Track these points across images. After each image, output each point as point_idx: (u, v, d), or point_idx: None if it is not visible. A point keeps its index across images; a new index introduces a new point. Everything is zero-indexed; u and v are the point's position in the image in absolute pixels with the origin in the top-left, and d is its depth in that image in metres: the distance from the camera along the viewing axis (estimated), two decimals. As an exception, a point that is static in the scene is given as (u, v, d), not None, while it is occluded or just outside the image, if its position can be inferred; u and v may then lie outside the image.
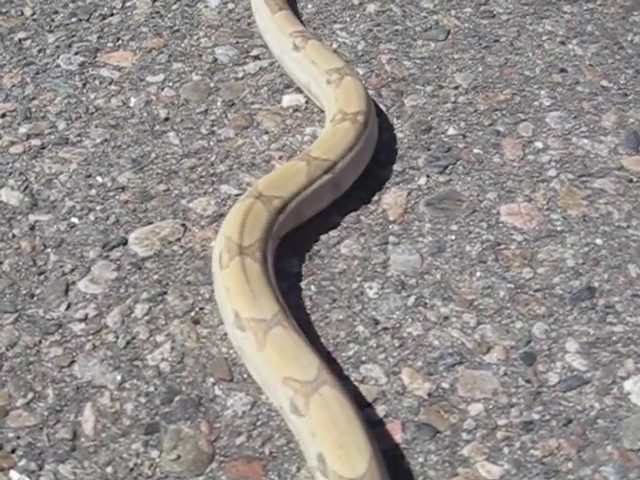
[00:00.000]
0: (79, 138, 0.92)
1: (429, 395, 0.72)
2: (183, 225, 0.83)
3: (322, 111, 0.94)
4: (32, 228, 0.83)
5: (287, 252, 0.81)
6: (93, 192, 0.86)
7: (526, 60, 1.04)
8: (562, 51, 1.05)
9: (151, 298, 0.77)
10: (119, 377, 0.72)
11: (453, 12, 1.10)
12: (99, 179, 0.87)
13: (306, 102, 0.95)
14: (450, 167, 0.90)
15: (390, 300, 0.78)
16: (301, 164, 0.82)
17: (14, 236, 0.82)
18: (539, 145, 0.93)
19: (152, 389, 0.71)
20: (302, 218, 0.82)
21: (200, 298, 0.77)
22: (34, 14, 1.09)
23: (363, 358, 0.74)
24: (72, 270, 0.79)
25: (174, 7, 1.10)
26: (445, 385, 0.73)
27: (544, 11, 1.12)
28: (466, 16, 1.10)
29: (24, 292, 0.78)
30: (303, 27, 0.99)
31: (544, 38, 1.07)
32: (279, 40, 0.97)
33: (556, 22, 1.10)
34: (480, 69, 1.02)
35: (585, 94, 0.99)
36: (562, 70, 1.03)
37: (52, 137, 0.91)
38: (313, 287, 0.78)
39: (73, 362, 0.73)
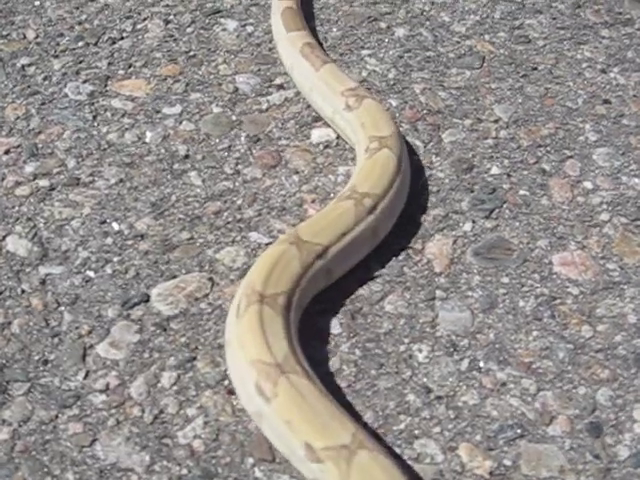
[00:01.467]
0: (91, 178, 0.84)
1: (490, 474, 0.65)
2: (210, 279, 0.76)
3: (353, 149, 0.88)
4: (43, 282, 0.76)
5: (326, 309, 0.74)
6: (109, 241, 0.79)
7: (567, 90, 0.98)
8: (604, 80, 1.00)
9: (179, 365, 0.70)
10: (147, 458, 0.64)
11: (487, 37, 1.04)
12: (115, 226, 0.80)
13: (337, 137, 0.88)
14: (496, 211, 0.83)
15: (442, 364, 0.72)
16: (349, 203, 0.76)
17: (23, 292, 0.75)
18: (588, 185, 0.87)
19: (185, 472, 0.64)
20: (338, 271, 0.74)
21: (233, 364, 0.71)
22: (37, 37, 1.01)
23: (416, 432, 0.67)
24: (89, 332, 0.72)
25: (189, 30, 1.02)
26: (507, 462, 0.66)
27: (581, 36, 1.06)
28: (500, 41, 1.04)
29: (36, 358, 0.70)
30: (355, 83, 0.89)
31: (584, 66, 1.01)
32: (329, 99, 0.87)
33: (595, 48, 1.04)
34: (520, 100, 0.96)
35: (632, 128, 0.93)
36: (605, 101, 0.97)
37: (61, 177, 0.84)
38: (357, 351, 0.72)
39: (95, 441, 0.65)
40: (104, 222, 0.80)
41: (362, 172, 0.78)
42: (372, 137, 0.80)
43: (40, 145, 0.87)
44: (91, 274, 0.76)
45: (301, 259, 0.71)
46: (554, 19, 1.08)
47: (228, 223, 0.80)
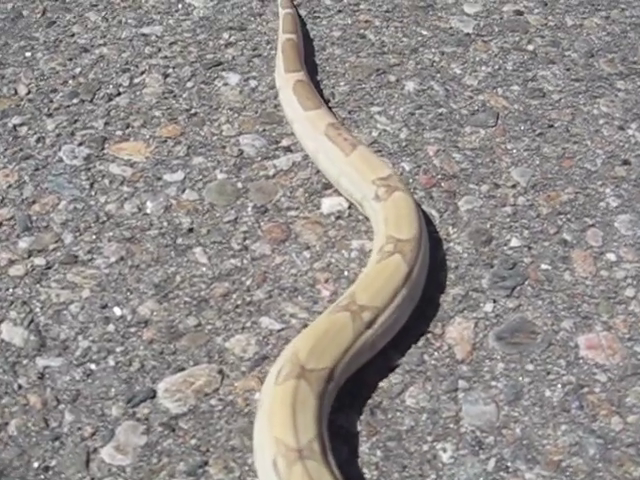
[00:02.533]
0: (90, 256, 0.79)
1: None
2: (220, 371, 0.71)
3: (367, 219, 0.84)
4: (41, 377, 0.71)
5: (344, 405, 0.69)
6: (111, 328, 0.74)
7: (585, 150, 0.94)
8: (622, 138, 0.96)
9: (190, 470, 0.65)
10: None
11: (500, 90, 1.00)
12: (117, 311, 0.75)
13: (349, 207, 0.85)
14: (518, 288, 0.80)
15: (467, 465, 0.68)
16: (345, 316, 0.69)
17: (20, 387, 0.70)
18: (611, 257, 0.84)
19: None
20: (346, 375, 0.69)
21: (248, 469, 0.66)
22: (29, 93, 0.95)
23: None
24: (93, 434, 0.68)
25: (189, 84, 0.97)
26: None
27: (596, 88, 1.02)
28: (514, 95, 1.00)
29: (36, 464, 0.65)
30: (388, 170, 0.81)
31: (601, 122, 0.97)
32: (359, 187, 0.81)
33: (611, 102, 1.01)
34: (537, 162, 0.92)
35: (653, 191, 0.91)
36: (625, 162, 0.93)
37: (58, 254, 0.79)
38: (379, 451, 0.68)
39: None
40: (105, 306, 0.76)
41: (366, 279, 0.73)
42: (390, 237, 0.75)
43: (34, 217, 0.82)
44: (93, 367, 0.71)
45: (315, 392, 0.65)
46: (568, 70, 1.04)
47: (237, 307, 0.76)
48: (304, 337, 0.70)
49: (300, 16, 1.08)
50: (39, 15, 1.08)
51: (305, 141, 0.86)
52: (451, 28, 1.09)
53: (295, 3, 1.10)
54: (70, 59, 1.00)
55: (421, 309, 0.77)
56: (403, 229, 0.76)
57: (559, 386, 0.73)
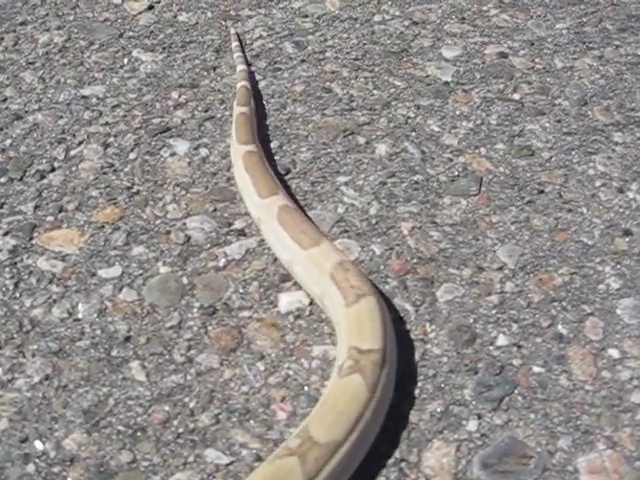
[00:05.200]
0: (10, 375, 0.68)
1: None
2: (157, 522, 0.63)
3: (330, 320, 0.74)
4: (-54, 534, 0.62)
5: None
6: (31, 468, 0.63)
7: (580, 220, 0.83)
8: (622, 203, 0.85)
9: None
10: None
11: (483, 150, 0.90)
12: (39, 445, 0.63)
13: (310, 304, 0.74)
14: (506, 399, 0.69)
15: None
16: (292, 461, 0.58)
17: None
18: (614, 354, 0.73)
19: None
20: None
21: None
22: (-50, 172, 0.87)
23: None
24: None
25: (131, 156, 0.86)
26: None
27: (591, 142, 0.92)
28: (499, 155, 0.89)
29: None
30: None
31: (597, 184, 0.87)
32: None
33: (608, 159, 0.90)
34: (526, 237, 0.81)
35: (659, 266, 0.81)
36: (626, 232, 0.83)
37: (-26, 374, 0.71)
38: None
39: None
40: (25, 440, 0.64)
41: (321, 408, 0.62)
42: (352, 348, 0.64)
43: (-51, 327, 0.74)
44: (7, 520, 0.63)
45: None
46: (559, 121, 0.94)
47: (178, 436, 0.65)
48: None
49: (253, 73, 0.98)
50: (-32, 77, 0.99)
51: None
52: (428, 76, 0.99)
53: (254, 54, 1.00)
54: (1, 129, 0.91)
55: (394, 430, 0.67)
56: (367, 337, 0.65)
57: (556, 524, 0.64)
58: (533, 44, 1.05)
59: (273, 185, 0.77)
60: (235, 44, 1.00)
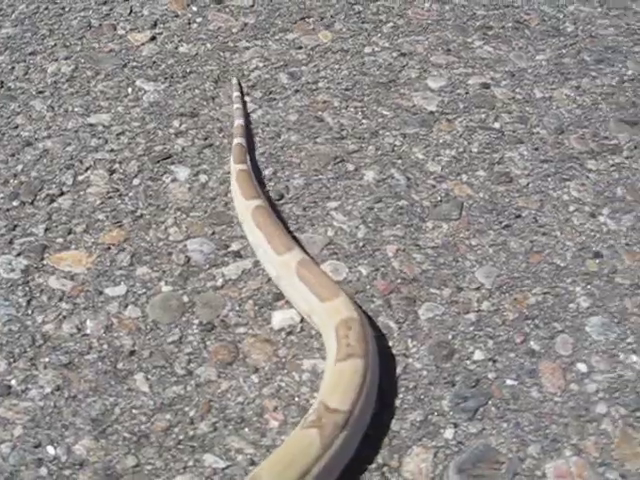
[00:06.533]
0: (24, 386, 0.74)
1: None
2: (159, 521, 0.68)
3: (320, 335, 0.79)
4: (-34, 532, 0.68)
5: None
6: (44, 471, 0.68)
7: (554, 243, 0.89)
8: (593, 227, 0.91)
9: None
10: None
11: (464, 177, 0.95)
12: (51, 450, 0.69)
13: (301, 321, 0.79)
14: (481, 410, 0.75)
15: None
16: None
17: None
18: (582, 368, 0.78)
19: None
20: None
21: None
22: (-34, 196, 0.93)
23: None
24: None
25: (135, 181, 0.92)
26: None
27: (566, 169, 0.97)
28: (480, 182, 0.95)
29: None
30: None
31: (571, 209, 0.92)
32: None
33: (582, 185, 0.95)
34: (503, 259, 0.87)
35: (626, 287, 0.84)
36: (596, 254, 0.88)
37: (-10, 385, 0.76)
38: None
39: None
40: (38, 445, 0.70)
41: (275, 456, 0.66)
42: (321, 404, 0.68)
43: (-34, 341, 0.79)
44: (21, 519, 0.68)
45: None
46: (536, 149, 0.99)
47: (179, 443, 0.70)
48: None
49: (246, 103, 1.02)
50: (-18, 105, 1.04)
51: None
52: (414, 106, 1.04)
53: (250, 84, 1.06)
54: (12, 155, 0.96)
55: (376, 437, 0.72)
56: (337, 398, 0.68)
57: (525, 525, 0.69)
58: (514, 75, 1.11)
59: (287, 240, 0.81)
60: (236, 94, 1.01)
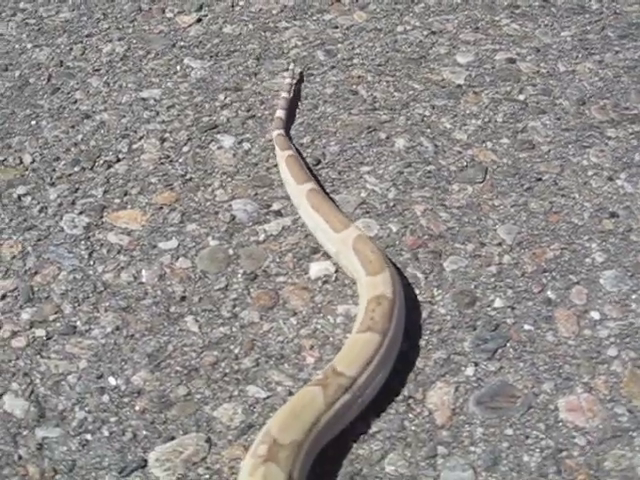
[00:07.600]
0: (87, 326, 0.83)
1: None
2: (208, 440, 0.74)
3: (354, 283, 0.87)
4: (40, 447, 0.74)
5: (326, 472, 0.72)
6: (106, 398, 0.78)
7: (572, 203, 0.95)
8: (611, 189, 0.97)
9: (176, 542, 0.70)
10: None
11: (489, 144, 1.02)
12: (112, 381, 0.78)
13: (335, 271, 0.87)
14: (500, 351, 0.81)
15: (444, 533, 0.71)
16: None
17: (20, 458, 0.74)
18: (595, 316, 0.84)
19: None
20: (322, 443, 0.72)
21: (231, 539, 0.70)
22: (34, 162, 1.00)
23: None
24: (86, 506, 0.72)
25: (185, 149, 1.01)
26: None
27: (587, 137, 1.03)
28: (504, 149, 1.01)
29: (33, 536, 0.71)
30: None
31: (590, 173, 0.98)
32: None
33: (601, 152, 1.01)
34: (524, 218, 0.93)
35: (640, 244, 0.92)
36: (612, 214, 0.94)
37: (58, 325, 0.83)
38: (357, 522, 0.71)
39: None
40: (100, 377, 0.79)
41: (283, 412, 0.71)
42: (330, 367, 0.75)
43: (36, 288, 0.86)
44: (88, 437, 0.75)
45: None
46: (558, 119, 1.05)
47: (225, 375, 0.79)
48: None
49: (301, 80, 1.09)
50: (44, 82, 1.13)
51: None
52: (443, 80, 1.11)
53: (290, 60, 1.14)
54: (72, 126, 1.05)
55: (403, 373, 0.79)
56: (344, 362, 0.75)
57: (537, 451, 0.74)
58: (539, 50, 1.16)
59: (343, 217, 0.87)
60: (287, 81, 1.03)
